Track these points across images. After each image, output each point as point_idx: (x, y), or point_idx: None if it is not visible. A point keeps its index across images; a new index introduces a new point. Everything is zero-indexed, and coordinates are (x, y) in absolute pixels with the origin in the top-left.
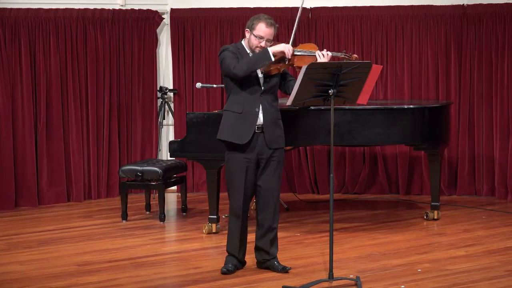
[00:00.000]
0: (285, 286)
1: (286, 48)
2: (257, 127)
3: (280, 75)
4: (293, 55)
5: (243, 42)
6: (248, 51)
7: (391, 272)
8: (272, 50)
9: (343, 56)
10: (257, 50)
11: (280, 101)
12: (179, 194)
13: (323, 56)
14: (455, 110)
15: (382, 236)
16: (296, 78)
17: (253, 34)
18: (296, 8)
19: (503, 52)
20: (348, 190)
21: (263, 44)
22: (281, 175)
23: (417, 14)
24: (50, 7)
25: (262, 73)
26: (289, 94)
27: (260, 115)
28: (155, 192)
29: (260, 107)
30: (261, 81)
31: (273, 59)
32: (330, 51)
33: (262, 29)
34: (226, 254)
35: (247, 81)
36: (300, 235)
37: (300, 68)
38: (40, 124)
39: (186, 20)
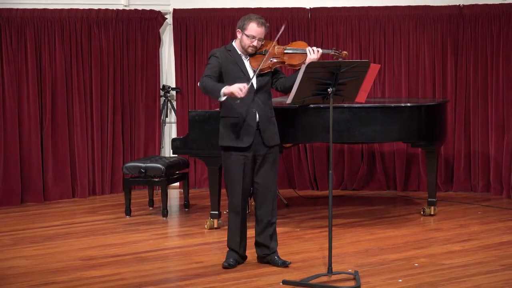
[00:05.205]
0: (285, 280)
1: (236, 90)
2: None
3: (272, 72)
4: (284, 53)
5: (234, 44)
6: (240, 52)
7: (388, 267)
8: (224, 90)
9: (333, 53)
10: (249, 49)
11: (280, 99)
12: (182, 190)
13: (313, 52)
14: (451, 108)
15: (380, 231)
16: (287, 75)
17: (245, 34)
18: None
19: (498, 52)
20: (347, 187)
21: (255, 43)
22: (277, 170)
23: (414, 14)
24: (55, 8)
25: (254, 72)
26: (281, 91)
27: (256, 114)
28: (158, 188)
29: (255, 106)
30: (254, 80)
31: (223, 99)
32: (322, 55)
33: (254, 28)
34: (227, 249)
35: (238, 83)
36: (300, 230)
37: (291, 66)
38: (46, 122)
39: (189, 20)
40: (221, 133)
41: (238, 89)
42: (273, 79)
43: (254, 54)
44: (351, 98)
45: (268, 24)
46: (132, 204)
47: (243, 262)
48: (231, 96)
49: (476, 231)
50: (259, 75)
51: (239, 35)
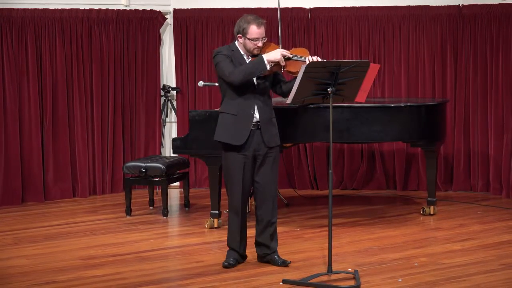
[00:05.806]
0: (285, 280)
1: (279, 55)
2: (253, 124)
3: (272, 75)
4: (284, 59)
5: (237, 44)
6: (243, 53)
7: (388, 266)
8: (267, 58)
9: None
10: (255, 51)
11: (281, 99)
12: (182, 189)
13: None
14: (451, 108)
15: (379, 230)
16: (286, 79)
17: (248, 38)
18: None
19: (497, 52)
20: (347, 186)
21: (260, 44)
22: (278, 170)
23: (413, 14)
24: (56, 8)
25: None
26: (279, 94)
27: (256, 114)
28: (159, 188)
29: (256, 107)
30: (255, 82)
31: (268, 68)
32: (323, 57)
33: (255, 31)
34: (228, 248)
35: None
36: (300, 230)
37: (290, 72)
38: (46, 122)
39: (189, 20)
40: (217, 128)
41: (282, 56)
42: (273, 81)
43: (257, 55)
44: (351, 98)
45: (265, 21)
46: (133, 203)
47: (243, 261)
48: (275, 63)
49: (475, 231)
50: (259, 78)
51: (241, 40)
